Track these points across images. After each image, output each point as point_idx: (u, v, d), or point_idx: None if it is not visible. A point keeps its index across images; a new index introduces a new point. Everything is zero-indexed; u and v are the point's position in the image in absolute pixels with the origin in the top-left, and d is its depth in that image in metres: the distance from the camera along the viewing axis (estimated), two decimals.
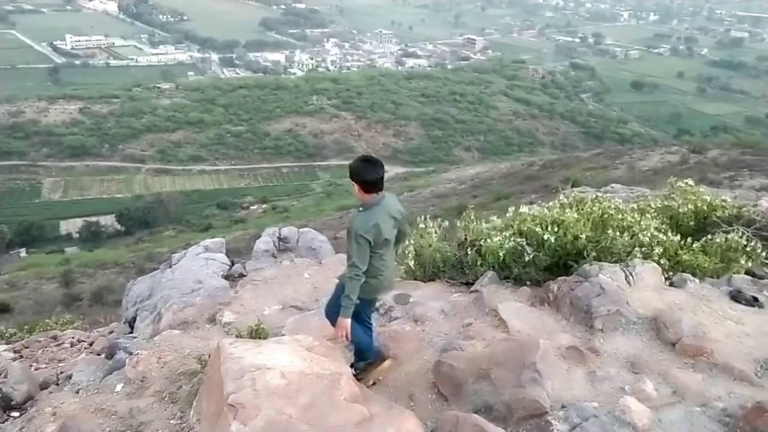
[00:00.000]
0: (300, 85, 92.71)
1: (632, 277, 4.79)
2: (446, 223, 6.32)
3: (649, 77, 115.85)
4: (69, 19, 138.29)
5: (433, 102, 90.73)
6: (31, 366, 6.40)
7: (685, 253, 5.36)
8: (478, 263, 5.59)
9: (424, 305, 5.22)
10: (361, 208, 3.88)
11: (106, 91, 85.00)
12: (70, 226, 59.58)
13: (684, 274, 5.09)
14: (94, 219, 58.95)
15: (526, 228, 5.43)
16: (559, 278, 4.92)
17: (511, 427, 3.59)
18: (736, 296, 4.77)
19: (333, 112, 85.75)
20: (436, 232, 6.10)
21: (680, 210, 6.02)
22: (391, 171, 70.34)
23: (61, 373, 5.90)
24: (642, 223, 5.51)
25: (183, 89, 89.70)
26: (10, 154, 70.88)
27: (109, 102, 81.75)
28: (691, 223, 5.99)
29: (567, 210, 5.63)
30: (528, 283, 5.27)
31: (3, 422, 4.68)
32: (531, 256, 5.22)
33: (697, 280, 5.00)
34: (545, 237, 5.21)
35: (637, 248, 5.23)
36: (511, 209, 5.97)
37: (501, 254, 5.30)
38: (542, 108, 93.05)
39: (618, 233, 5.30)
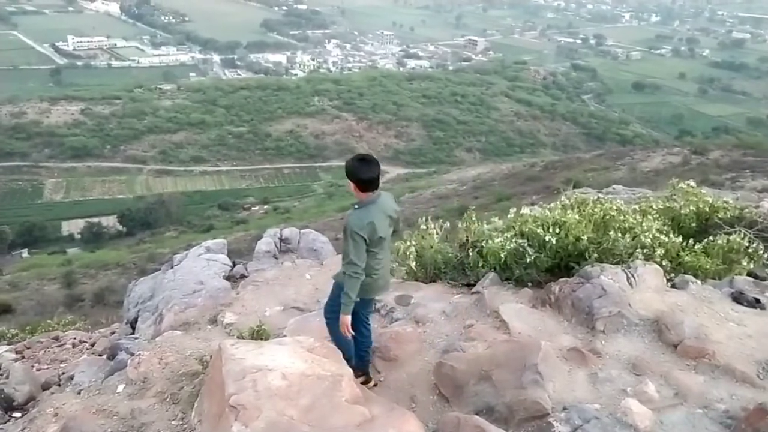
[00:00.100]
0: (301, 86, 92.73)
1: (634, 278, 4.79)
2: (447, 224, 6.32)
3: (651, 78, 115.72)
4: (71, 20, 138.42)
5: (434, 103, 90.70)
6: (32, 367, 6.41)
7: (686, 255, 5.36)
8: (480, 264, 5.60)
9: (425, 306, 5.22)
10: (356, 206, 3.93)
11: (107, 92, 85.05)
12: (72, 226, 59.62)
13: (686, 275, 5.09)
14: (95, 220, 59.02)
15: (527, 229, 5.43)
16: (561, 280, 4.92)
17: (512, 429, 3.59)
18: (738, 298, 4.77)
19: (334, 113, 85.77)
20: (437, 234, 6.10)
21: (682, 211, 6.01)
22: (392, 172, 70.54)
23: (63, 373, 5.91)
24: (644, 224, 5.51)
25: (184, 90, 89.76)
26: (12, 155, 70.95)
27: (110, 103, 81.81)
28: (693, 224, 5.98)
29: (568, 211, 5.62)
30: (529, 284, 5.27)
31: (5, 423, 4.69)
32: (532, 258, 5.21)
33: (698, 282, 5.00)
34: (547, 238, 5.21)
35: (638, 250, 5.23)
36: (513, 210, 5.96)
37: (502, 255, 5.30)
38: (543, 109, 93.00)
39: (619, 235, 5.30)
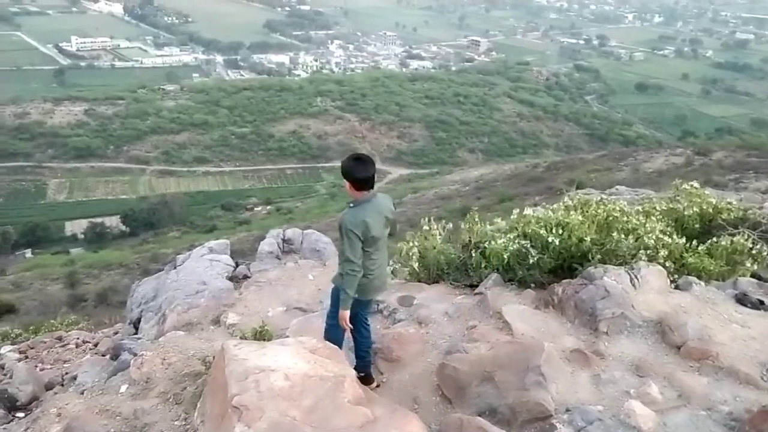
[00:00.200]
0: (304, 86, 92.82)
1: (637, 279, 4.78)
2: (450, 225, 6.31)
3: (654, 79, 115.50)
4: (74, 20, 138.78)
5: (437, 103, 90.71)
6: (36, 367, 6.43)
7: (690, 256, 5.34)
8: (482, 265, 5.59)
9: (428, 307, 5.22)
10: (351, 204, 4.00)
11: (111, 93, 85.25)
12: (75, 227, 59.77)
13: (689, 276, 5.07)
14: (99, 220, 59.12)
15: (530, 230, 5.43)
16: (564, 281, 4.91)
17: (515, 430, 3.59)
18: (742, 299, 4.75)
19: (337, 114, 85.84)
20: (440, 234, 6.10)
21: (685, 212, 5.99)
22: (395, 172, 70.63)
23: (66, 373, 5.93)
24: (647, 225, 5.49)
25: (187, 91, 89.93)
26: (16, 155, 71.20)
27: (114, 103, 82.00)
28: (697, 225, 5.96)
29: (571, 212, 5.61)
30: (532, 285, 5.26)
31: (8, 423, 4.70)
32: (535, 259, 5.21)
33: (702, 283, 4.98)
34: (550, 239, 5.20)
35: (642, 251, 5.21)
36: (516, 211, 5.96)
37: (505, 256, 5.29)
38: (546, 110, 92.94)
39: (623, 236, 5.29)
